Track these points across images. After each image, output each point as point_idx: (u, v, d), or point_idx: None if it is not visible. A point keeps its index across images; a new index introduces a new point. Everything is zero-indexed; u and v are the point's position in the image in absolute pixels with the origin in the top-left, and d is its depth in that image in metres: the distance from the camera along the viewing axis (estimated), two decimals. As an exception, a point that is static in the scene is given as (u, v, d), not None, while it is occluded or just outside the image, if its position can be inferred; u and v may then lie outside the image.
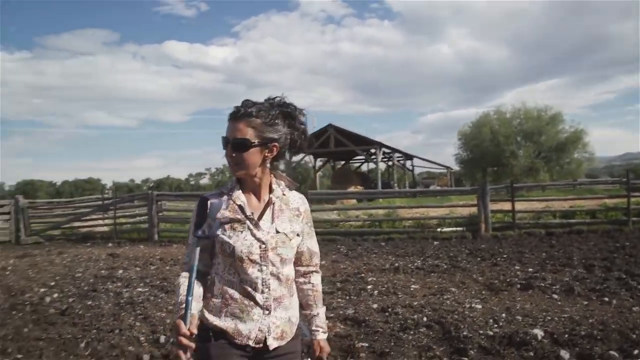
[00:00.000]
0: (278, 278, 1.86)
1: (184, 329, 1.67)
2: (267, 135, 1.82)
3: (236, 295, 1.83)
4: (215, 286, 1.87)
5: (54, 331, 5.13)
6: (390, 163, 38.87)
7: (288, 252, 1.89)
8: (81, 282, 7.80)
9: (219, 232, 1.84)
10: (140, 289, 7.01)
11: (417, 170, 43.68)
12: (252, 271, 1.83)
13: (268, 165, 1.89)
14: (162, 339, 4.74)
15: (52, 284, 7.81)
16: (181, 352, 1.66)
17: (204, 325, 1.83)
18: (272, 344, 1.83)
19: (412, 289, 6.51)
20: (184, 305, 1.71)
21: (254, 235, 1.84)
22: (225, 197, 1.90)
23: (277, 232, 1.87)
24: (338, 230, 13.57)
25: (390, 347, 4.26)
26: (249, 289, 1.83)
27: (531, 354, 3.98)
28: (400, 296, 6.13)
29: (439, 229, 12.86)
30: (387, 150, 34.27)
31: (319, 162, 37.90)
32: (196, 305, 1.80)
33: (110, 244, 13.47)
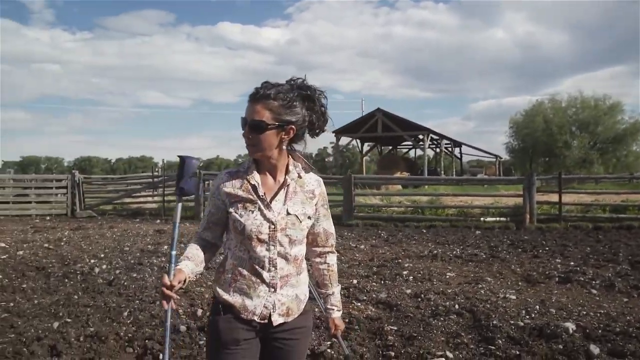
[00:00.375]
0: (285, 258, 1.89)
1: (165, 280, 1.76)
2: (284, 118, 1.83)
3: (245, 272, 1.88)
4: (227, 261, 1.93)
5: (101, 299, 5.43)
6: (438, 150, 38.38)
7: (297, 233, 1.90)
8: (128, 256, 8.17)
9: (232, 209, 1.88)
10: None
11: (465, 158, 42.99)
12: (261, 250, 1.86)
13: (285, 147, 1.90)
14: (200, 312, 4.95)
15: (102, 255, 8.21)
16: (164, 302, 1.77)
17: (216, 299, 1.92)
18: (277, 320, 1.88)
19: (447, 277, 6.52)
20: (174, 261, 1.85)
21: (264, 215, 1.86)
22: (241, 176, 1.93)
23: (288, 213, 1.89)
24: (380, 215, 13.61)
25: (419, 331, 4.32)
26: (257, 266, 1.87)
27: (560, 346, 3.95)
28: (434, 283, 6.16)
29: (482, 218, 12.72)
30: (435, 137, 33.81)
31: (366, 147, 37.74)
32: (189, 265, 1.85)
33: (158, 221, 13.95)
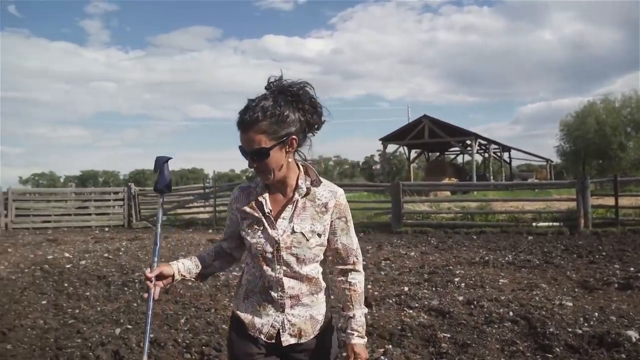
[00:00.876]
0: (295, 277, 1.80)
1: (146, 273, 1.81)
2: (281, 133, 1.72)
3: (256, 288, 1.84)
4: (243, 275, 1.92)
5: (158, 307, 5.63)
6: (486, 155, 37.67)
7: (305, 252, 1.79)
8: (183, 265, 8.39)
9: (242, 226, 1.86)
10: (235, 273, 7.44)
11: (514, 163, 41.99)
12: (267, 269, 1.80)
13: (291, 159, 1.79)
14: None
15: (158, 265, 8.47)
16: (145, 294, 1.84)
17: (233, 312, 1.93)
18: (287, 340, 1.81)
19: (500, 283, 6.42)
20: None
21: (268, 234, 1.79)
22: (251, 192, 1.88)
23: (294, 231, 1.78)
24: (430, 222, 13.50)
25: (473, 339, 4.29)
26: (266, 285, 1.81)
27: (622, 356, 3.85)
28: (487, 290, 6.08)
29: (534, 224, 12.44)
30: (483, 142, 33.22)
31: (413, 154, 37.46)
32: (185, 263, 1.89)
33: (210, 231, 14.28)
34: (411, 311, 5.23)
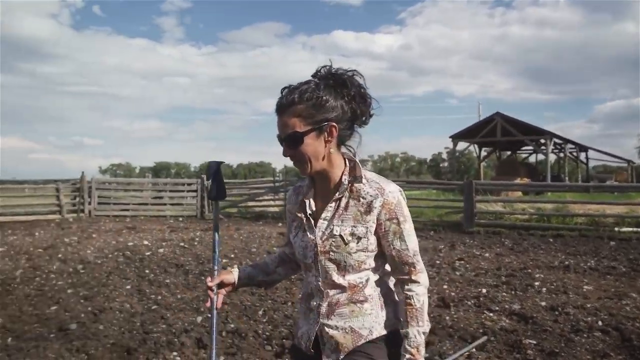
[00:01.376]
0: (335, 286, 1.63)
1: (208, 282, 1.76)
2: (318, 118, 1.55)
3: (304, 295, 1.74)
4: (303, 282, 1.80)
5: (236, 298, 5.75)
6: (561, 155, 36.16)
7: (346, 258, 1.59)
8: (256, 257, 8.57)
9: (290, 229, 1.77)
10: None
11: (591, 164, 40.10)
12: (308, 275, 1.69)
13: (334, 151, 1.61)
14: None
15: (232, 256, 8.69)
16: (207, 303, 1.78)
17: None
18: (328, 355, 1.64)
19: (584, 290, 6.13)
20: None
21: (308, 237, 1.65)
22: (300, 191, 1.75)
23: (332, 234, 1.61)
24: (503, 222, 13.08)
25: (561, 347, 4.12)
26: (309, 292, 1.70)
27: None
28: (571, 296, 5.82)
29: (616, 228, 11.80)
30: (558, 141, 31.88)
31: (483, 152, 36.47)
32: (247, 270, 1.84)
33: (280, 224, 14.47)
34: (492, 314, 5.08)
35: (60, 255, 8.77)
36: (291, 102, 1.55)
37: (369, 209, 1.59)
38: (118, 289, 6.39)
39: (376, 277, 1.66)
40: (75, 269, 7.63)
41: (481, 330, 4.52)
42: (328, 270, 1.61)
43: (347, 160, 1.65)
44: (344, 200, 1.62)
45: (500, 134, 29.60)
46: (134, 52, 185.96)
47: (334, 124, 1.57)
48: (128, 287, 6.53)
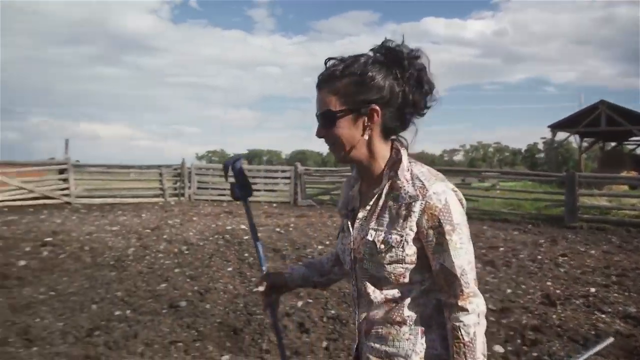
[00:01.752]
0: (370, 300, 1.40)
1: (259, 289, 1.65)
2: (359, 98, 1.32)
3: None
4: None
5: (336, 285, 5.80)
6: (676, 146, 33.41)
7: (377, 269, 1.36)
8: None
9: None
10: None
11: None
12: (350, 282, 1.48)
13: (377, 139, 1.38)
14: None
15: (327, 242, 8.81)
16: (267, 310, 1.70)
17: None
18: None
19: None
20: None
21: (346, 240, 1.46)
22: (350, 184, 1.54)
23: (367, 239, 1.38)
24: (609, 218, 12.31)
25: (686, 356, 3.83)
26: (353, 302, 1.49)
27: None
28: (694, 301, 5.39)
29: None
30: (672, 131, 29.49)
31: (584, 143, 34.40)
32: (299, 270, 1.70)
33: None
34: (604, 316, 4.81)
35: (165, 236, 9.29)
36: (331, 75, 1.35)
37: (407, 213, 1.32)
38: (220, 271, 6.67)
39: (419, 294, 1.38)
40: (180, 250, 8.06)
41: (593, 333, 4.29)
42: (362, 279, 1.40)
43: (394, 151, 1.40)
44: (382, 200, 1.38)
45: (605, 123, 27.78)
46: (227, 43, 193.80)
47: (377, 107, 1.34)
48: (229, 269, 6.80)
